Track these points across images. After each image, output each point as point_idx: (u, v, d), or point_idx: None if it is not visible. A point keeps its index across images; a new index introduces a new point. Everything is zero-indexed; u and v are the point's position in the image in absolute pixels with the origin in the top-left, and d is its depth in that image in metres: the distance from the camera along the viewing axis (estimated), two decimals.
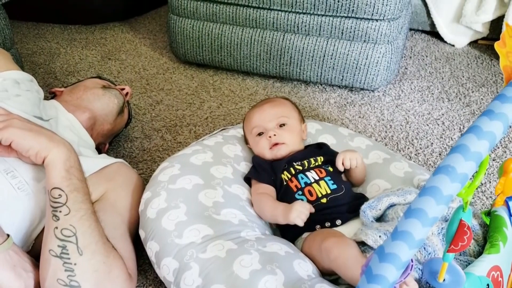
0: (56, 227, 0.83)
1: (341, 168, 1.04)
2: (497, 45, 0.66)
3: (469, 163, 0.54)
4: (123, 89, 1.32)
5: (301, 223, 0.90)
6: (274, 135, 1.07)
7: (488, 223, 0.95)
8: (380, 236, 0.85)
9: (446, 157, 0.54)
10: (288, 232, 1.00)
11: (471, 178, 0.73)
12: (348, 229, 0.96)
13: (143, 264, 1.02)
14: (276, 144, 1.07)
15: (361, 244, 0.90)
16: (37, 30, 2.08)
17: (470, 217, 0.65)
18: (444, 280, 0.70)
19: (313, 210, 0.93)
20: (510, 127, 1.48)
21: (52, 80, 1.71)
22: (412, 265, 0.66)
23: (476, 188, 1.24)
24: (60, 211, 0.84)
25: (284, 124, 1.09)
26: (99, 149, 1.27)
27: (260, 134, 1.09)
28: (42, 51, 1.91)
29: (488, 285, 0.80)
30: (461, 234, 0.64)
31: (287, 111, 1.12)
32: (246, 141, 1.17)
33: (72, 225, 0.84)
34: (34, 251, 0.92)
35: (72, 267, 0.81)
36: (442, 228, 0.92)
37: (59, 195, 0.85)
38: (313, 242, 0.93)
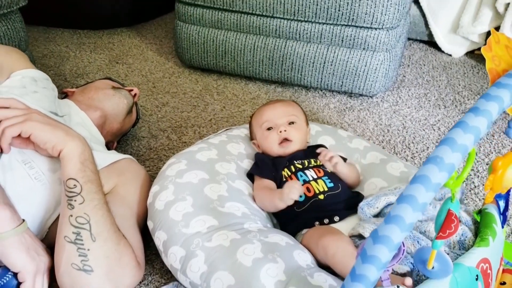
0: (71, 215, 0.88)
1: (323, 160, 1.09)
2: (483, 50, 0.72)
3: (456, 154, 0.59)
4: (131, 90, 1.38)
5: (296, 196, 0.96)
6: (285, 130, 1.12)
7: (479, 220, 1.00)
8: None
9: (435, 149, 0.59)
10: (287, 228, 1.04)
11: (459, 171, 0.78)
12: (346, 225, 1.01)
13: (150, 254, 1.07)
14: (286, 140, 1.12)
15: (358, 237, 0.95)
16: (48, 34, 2.14)
17: (458, 207, 0.70)
18: (433, 267, 0.74)
19: (302, 190, 0.99)
20: (504, 132, 1.54)
21: (62, 82, 1.77)
22: (404, 249, 0.71)
23: (468, 183, 1.29)
24: (75, 200, 0.89)
25: (293, 123, 1.15)
26: (108, 147, 1.32)
27: (269, 129, 1.15)
28: (52, 54, 1.97)
29: (477, 275, 0.85)
30: (449, 222, 0.69)
31: (297, 112, 1.19)
32: (251, 137, 1.22)
33: (86, 213, 0.89)
34: (47, 239, 0.97)
35: (85, 253, 0.86)
36: None
37: (74, 185, 0.90)
38: (311, 238, 0.97)
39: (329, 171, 1.11)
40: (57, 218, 0.95)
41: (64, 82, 1.77)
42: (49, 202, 0.96)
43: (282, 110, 1.17)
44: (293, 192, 0.96)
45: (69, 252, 0.87)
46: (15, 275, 0.86)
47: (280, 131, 1.12)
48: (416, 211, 0.56)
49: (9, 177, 0.92)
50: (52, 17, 2.18)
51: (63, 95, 1.33)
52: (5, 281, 0.86)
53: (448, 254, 0.90)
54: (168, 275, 1.02)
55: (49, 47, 2.04)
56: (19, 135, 0.91)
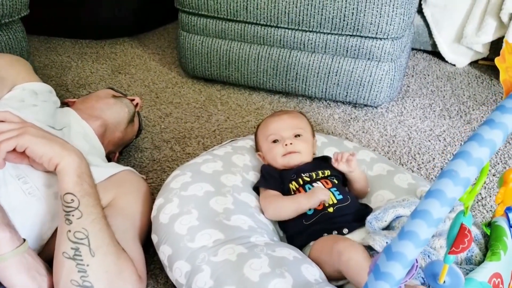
0: (69, 230, 0.86)
1: (335, 164, 1.08)
2: (497, 61, 0.71)
3: (471, 168, 0.57)
4: (133, 100, 1.36)
5: (325, 197, 1.01)
6: (291, 143, 1.11)
7: (488, 233, 0.98)
8: (387, 242, 0.88)
9: (450, 162, 0.57)
10: (295, 241, 1.03)
11: (472, 184, 0.77)
12: (355, 237, 0.99)
13: (154, 268, 1.05)
14: (290, 152, 1.11)
15: (368, 249, 0.93)
16: (49, 44, 2.14)
17: (471, 221, 0.68)
18: (444, 282, 0.73)
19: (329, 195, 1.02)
20: (511, 143, 1.52)
21: (64, 92, 1.76)
22: (417, 265, 0.69)
23: (476, 195, 1.28)
24: (73, 215, 0.87)
25: (299, 135, 1.14)
26: (109, 158, 1.31)
27: (275, 141, 1.13)
28: (53, 64, 1.97)
29: None
30: (462, 237, 0.67)
31: (303, 124, 1.17)
32: (256, 149, 1.20)
33: (84, 228, 0.87)
34: (44, 254, 0.95)
35: (85, 268, 0.85)
36: None
37: (72, 199, 0.88)
38: (324, 245, 0.95)
39: (337, 182, 1.09)
40: (54, 232, 0.94)
41: (66, 93, 1.76)
42: (44, 217, 0.94)
43: (288, 122, 1.15)
44: (323, 193, 1.00)
45: (68, 269, 0.85)
46: None
47: (286, 144, 1.11)
48: (431, 227, 0.55)
49: (3, 192, 0.91)
50: (54, 26, 2.18)
51: (64, 105, 1.32)
52: None
53: None
54: None
55: (50, 57, 2.03)
56: (14, 149, 0.88)
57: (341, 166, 1.07)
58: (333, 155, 1.09)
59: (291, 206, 1.02)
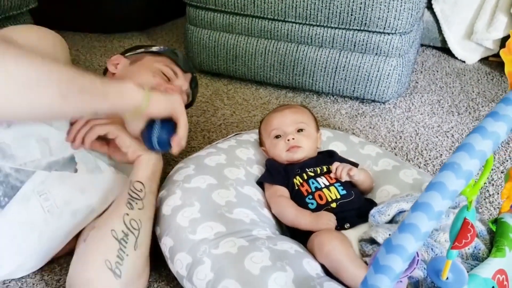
0: (127, 214, 0.91)
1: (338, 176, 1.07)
2: (502, 52, 0.70)
3: (474, 161, 0.56)
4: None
5: (330, 226, 0.97)
6: (293, 138, 1.10)
7: (494, 230, 0.97)
8: (389, 234, 0.88)
9: (452, 155, 0.56)
10: (297, 235, 1.02)
11: (476, 179, 0.76)
12: (356, 232, 0.98)
13: (157, 260, 1.05)
14: (293, 146, 1.10)
15: (370, 243, 0.92)
16: None
17: (474, 216, 0.67)
18: (447, 278, 0.72)
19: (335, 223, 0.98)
20: None
21: None
22: (418, 260, 0.69)
23: (483, 191, 1.26)
24: (136, 203, 0.92)
25: (302, 130, 1.13)
26: None
27: (277, 137, 1.13)
28: None
29: (493, 287, 0.82)
30: (465, 232, 0.66)
31: (306, 118, 1.16)
32: (260, 143, 1.20)
33: (140, 220, 0.91)
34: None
35: (123, 256, 0.87)
36: None
37: (141, 189, 0.94)
38: (312, 240, 0.95)
39: None
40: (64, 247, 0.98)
41: None
42: (58, 235, 0.96)
43: (291, 117, 1.14)
44: (328, 221, 0.97)
45: (109, 247, 0.87)
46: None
47: (288, 139, 1.10)
48: (432, 220, 0.54)
49: (23, 207, 0.91)
50: (63, 20, 2.18)
51: None
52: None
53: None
54: (174, 282, 0.99)
55: None
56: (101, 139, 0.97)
57: (344, 177, 1.06)
58: (332, 168, 1.08)
59: (292, 218, 1.01)
